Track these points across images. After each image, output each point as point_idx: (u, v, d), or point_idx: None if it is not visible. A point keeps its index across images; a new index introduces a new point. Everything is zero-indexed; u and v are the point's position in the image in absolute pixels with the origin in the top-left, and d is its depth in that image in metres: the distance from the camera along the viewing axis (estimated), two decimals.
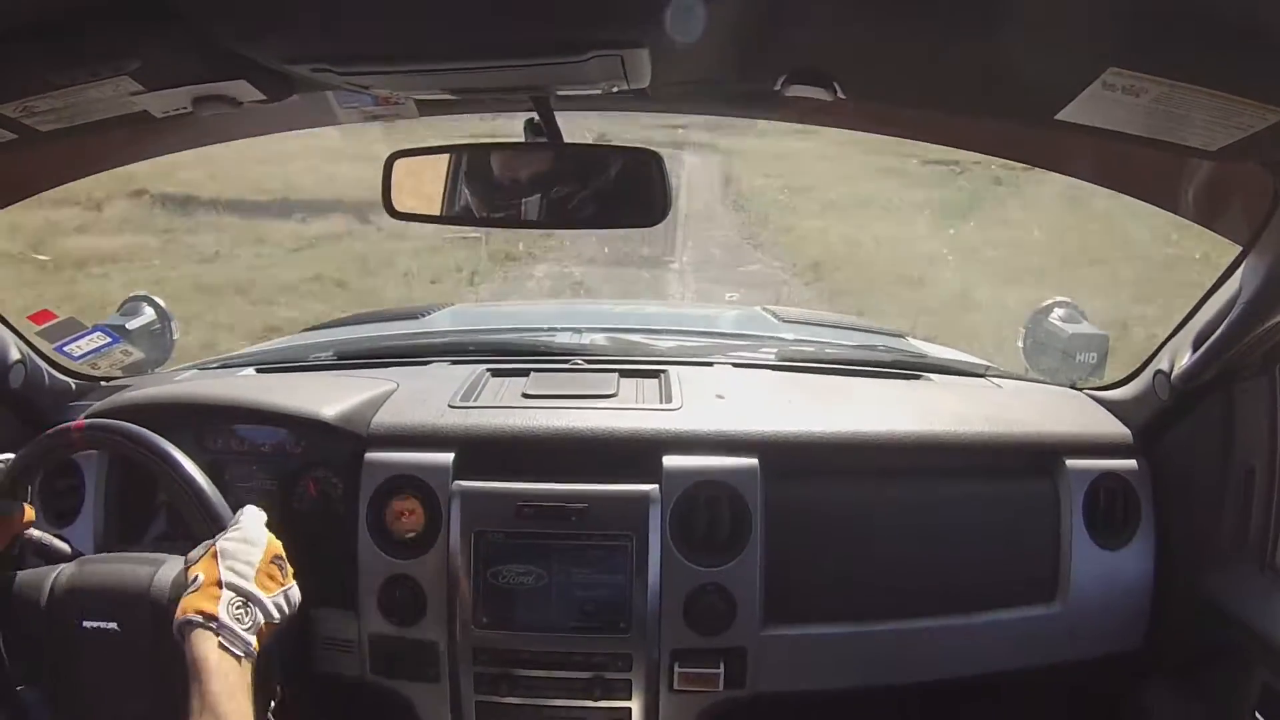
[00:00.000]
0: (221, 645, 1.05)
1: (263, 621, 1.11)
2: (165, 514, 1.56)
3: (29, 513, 1.28)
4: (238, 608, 1.09)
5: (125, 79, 1.01)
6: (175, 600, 1.11)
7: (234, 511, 1.24)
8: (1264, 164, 1.07)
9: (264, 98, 1.12)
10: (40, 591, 1.19)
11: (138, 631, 1.15)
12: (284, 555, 1.20)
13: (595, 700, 1.48)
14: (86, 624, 1.16)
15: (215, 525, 1.22)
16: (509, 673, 1.49)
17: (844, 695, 1.58)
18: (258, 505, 1.26)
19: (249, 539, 1.17)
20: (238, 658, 1.06)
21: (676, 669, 1.48)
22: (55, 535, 1.30)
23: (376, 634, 1.51)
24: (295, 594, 1.19)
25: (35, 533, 1.29)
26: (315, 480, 1.59)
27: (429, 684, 1.51)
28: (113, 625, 1.16)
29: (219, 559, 1.13)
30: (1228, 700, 1.45)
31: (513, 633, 1.48)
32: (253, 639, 1.09)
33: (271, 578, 1.16)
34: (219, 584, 1.10)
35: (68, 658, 1.18)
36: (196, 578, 1.11)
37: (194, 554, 1.16)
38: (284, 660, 1.29)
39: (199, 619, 1.06)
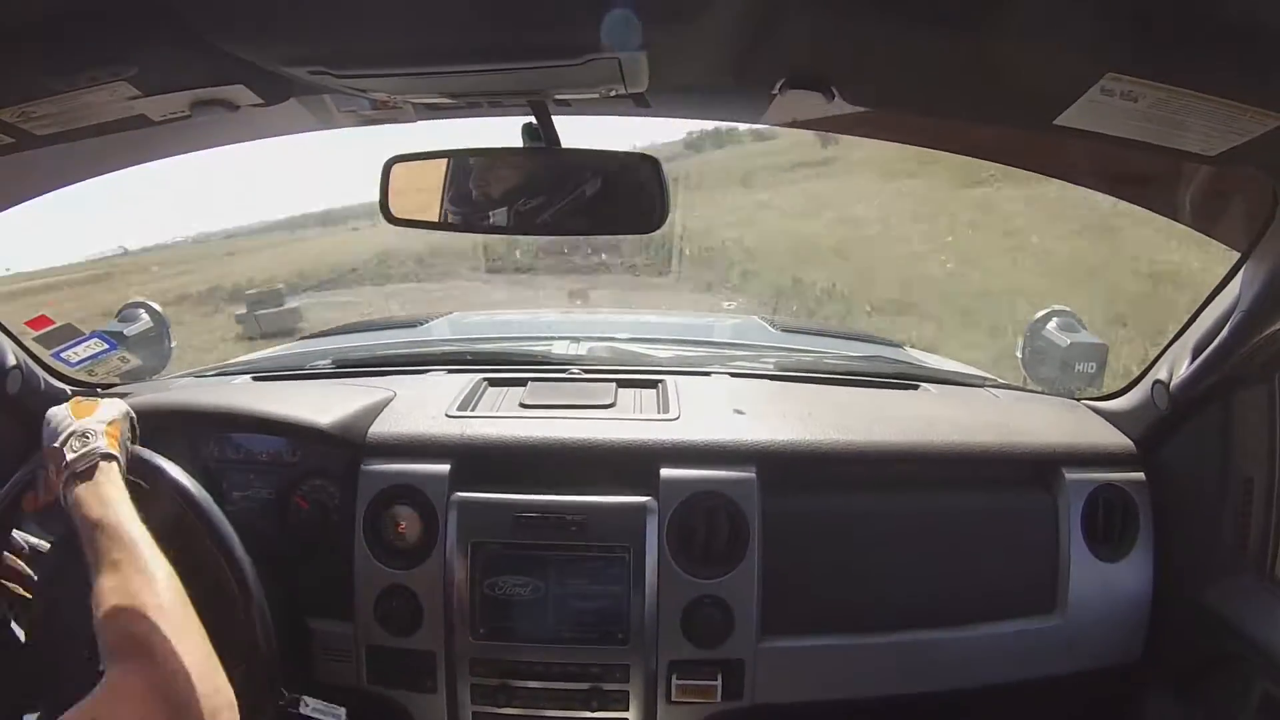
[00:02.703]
0: (77, 479, 1.14)
1: (100, 432, 1.21)
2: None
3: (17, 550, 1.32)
4: (78, 445, 1.18)
5: (123, 84, 1.01)
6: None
7: (232, 525, 1.26)
8: (1263, 170, 1.07)
9: (261, 101, 1.12)
10: None
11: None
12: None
13: (592, 711, 1.48)
14: None
15: (220, 546, 1.22)
16: (506, 684, 1.48)
17: (842, 707, 1.57)
18: (256, 516, 1.28)
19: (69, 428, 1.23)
20: (92, 468, 1.15)
21: (674, 680, 1.47)
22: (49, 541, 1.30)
23: (373, 644, 1.51)
24: (115, 405, 1.29)
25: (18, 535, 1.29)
26: (312, 489, 1.58)
27: (426, 694, 1.50)
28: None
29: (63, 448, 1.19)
30: (1228, 711, 1.44)
31: (510, 643, 1.48)
32: (94, 445, 1.18)
33: (80, 405, 1.27)
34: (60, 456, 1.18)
35: None
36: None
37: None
38: (283, 667, 1.30)
39: (63, 485, 1.15)
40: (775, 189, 13.23)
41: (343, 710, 1.37)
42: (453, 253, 10.35)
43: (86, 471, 1.14)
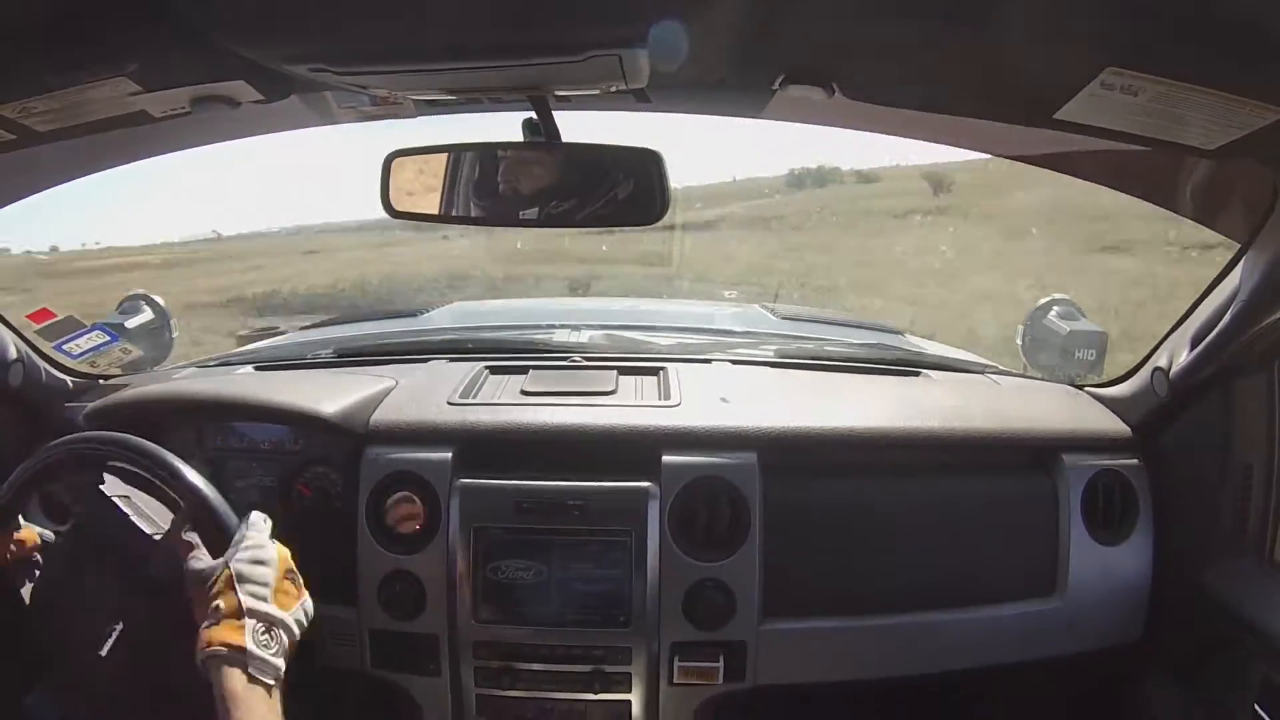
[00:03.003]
0: (251, 677, 1.04)
1: (287, 642, 1.10)
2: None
3: (28, 536, 1.28)
4: (263, 634, 1.07)
5: (124, 80, 1.01)
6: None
7: (238, 515, 1.24)
8: (1262, 162, 1.07)
9: (262, 98, 1.12)
10: None
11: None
12: (294, 566, 1.19)
13: (595, 693, 1.50)
14: None
15: (222, 534, 1.21)
16: (509, 666, 1.50)
17: (843, 688, 1.59)
18: (258, 504, 1.26)
19: (261, 558, 1.15)
20: (268, 686, 1.05)
21: (676, 662, 1.49)
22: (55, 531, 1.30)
23: (376, 628, 1.52)
24: (310, 603, 1.18)
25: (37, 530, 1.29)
26: (314, 477, 1.60)
27: (430, 677, 1.52)
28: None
29: (236, 586, 1.10)
30: (1228, 693, 1.45)
31: (513, 626, 1.49)
32: (280, 662, 1.07)
33: (287, 594, 1.15)
34: (240, 612, 1.08)
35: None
36: (216, 607, 1.08)
37: (201, 566, 1.15)
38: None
39: (225, 652, 1.04)
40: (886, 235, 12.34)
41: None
42: (533, 277, 9.88)
43: (259, 674, 1.05)
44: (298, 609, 1.14)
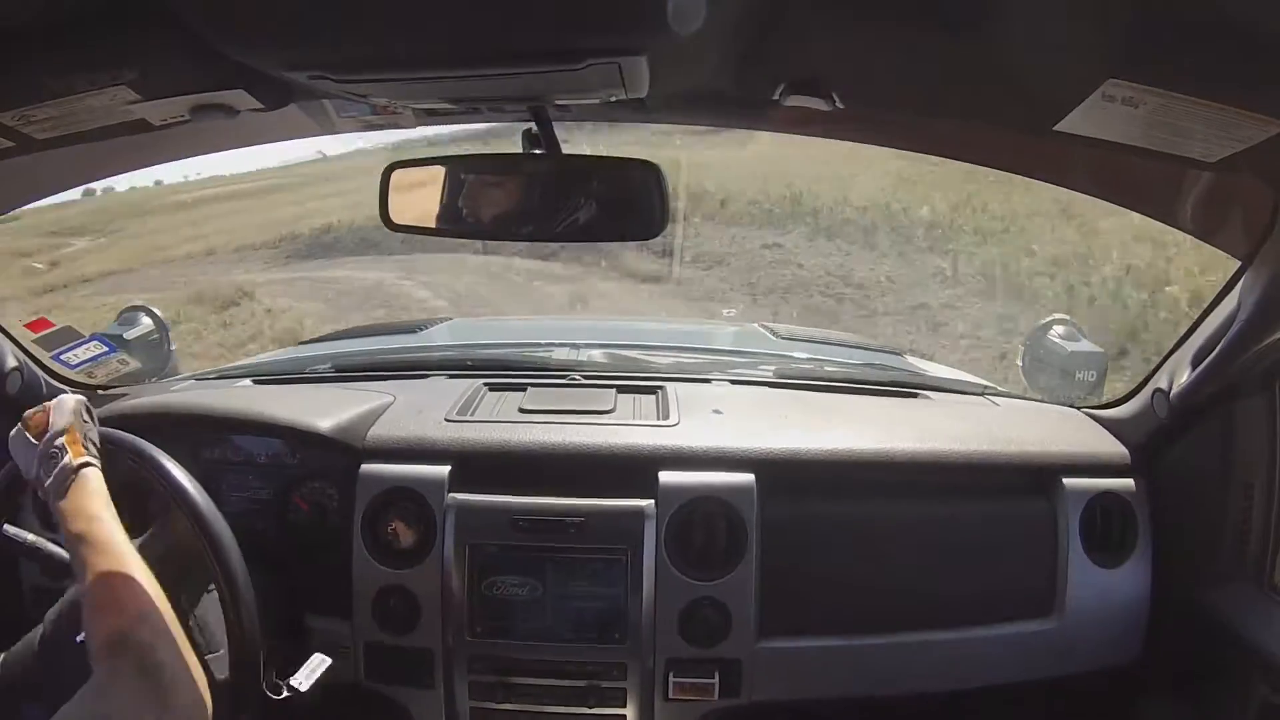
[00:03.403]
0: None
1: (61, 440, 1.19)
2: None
3: None
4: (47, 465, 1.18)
5: (123, 88, 1.01)
6: None
7: (230, 526, 1.26)
8: (1262, 176, 1.07)
9: (262, 106, 1.12)
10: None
11: None
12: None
13: (590, 708, 1.49)
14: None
15: (212, 545, 1.22)
16: (504, 680, 1.49)
17: (839, 706, 1.58)
18: (254, 515, 1.26)
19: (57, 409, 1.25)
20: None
21: (671, 678, 1.48)
22: (52, 540, 1.29)
23: (371, 641, 1.52)
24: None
25: (30, 537, 1.28)
26: (311, 491, 1.59)
27: (424, 690, 1.51)
28: None
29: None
30: (1226, 716, 1.44)
31: (508, 641, 1.49)
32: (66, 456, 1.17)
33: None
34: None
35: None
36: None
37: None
38: (282, 664, 1.31)
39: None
40: None
41: (328, 660, 1.37)
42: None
43: (62, 490, 1.15)
44: (49, 428, 1.22)
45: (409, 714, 1.55)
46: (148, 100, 1.06)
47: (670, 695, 1.48)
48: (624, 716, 1.50)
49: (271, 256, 11.56)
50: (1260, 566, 1.45)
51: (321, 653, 1.47)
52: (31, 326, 1.81)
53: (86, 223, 13.32)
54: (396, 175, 1.24)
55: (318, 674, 1.35)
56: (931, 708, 1.65)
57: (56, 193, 1.49)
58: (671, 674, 1.48)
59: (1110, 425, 1.70)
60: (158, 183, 15.14)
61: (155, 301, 2.29)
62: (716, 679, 1.48)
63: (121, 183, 13.22)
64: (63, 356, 1.80)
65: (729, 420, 1.65)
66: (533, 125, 1.14)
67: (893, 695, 1.57)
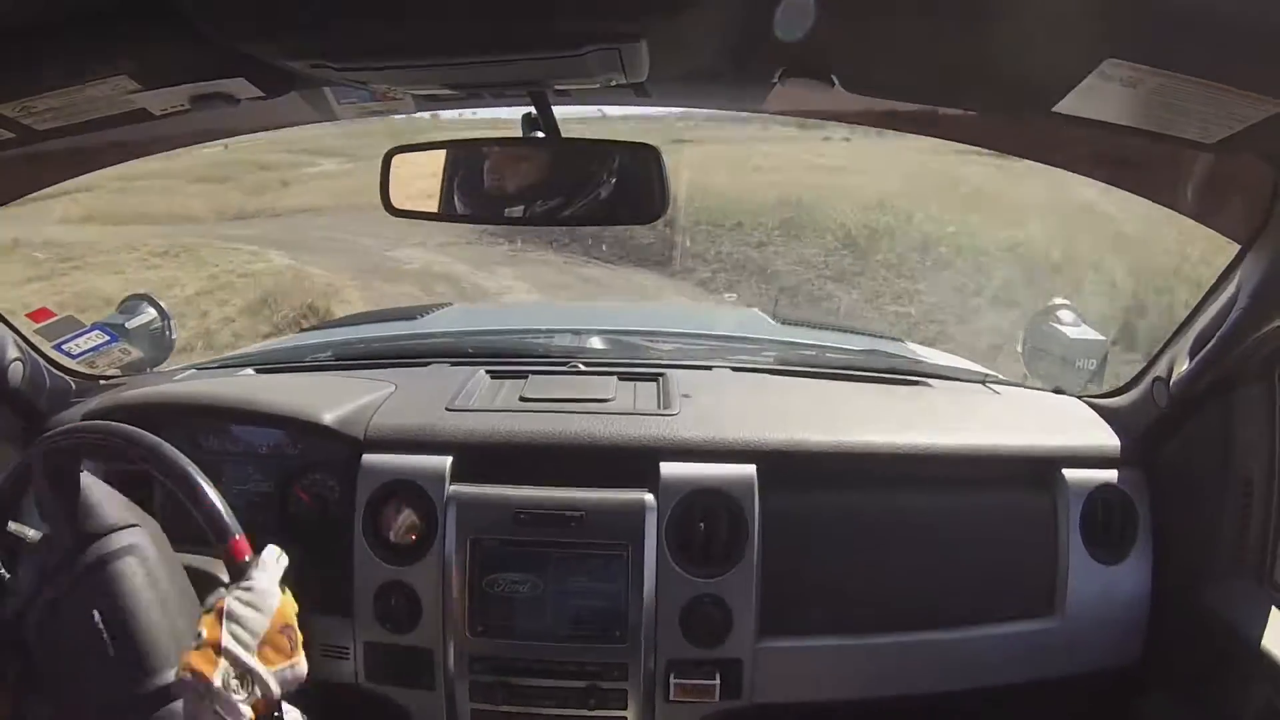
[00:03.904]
0: (216, 712, 1.00)
1: (260, 695, 1.04)
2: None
3: None
4: (234, 678, 1.02)
5: (123, 78, 1.01)
6: None
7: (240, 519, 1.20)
8: (1262, 156, 1.07)
9: (262, 94, 1.12)
10: None
11: None
12: (295, 624, 1.12)
13: (591, 709, 1.48)
14: None
15: (220, 538, 1.17)
16: (504, 681, 1.48)
17: (841, 707, 1.57)
18: (255, 507, 1.23)
19: (259, 604, 1.09)
20: None
21: (672, 679, 1.47)
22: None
23: (371, 640, 1.51)
24: (301, 669, 1.11)
25: (31, 533, 1.27)
26: (312, 483, 1.58)
27: (424, 691, 1.50)
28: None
29: (224, 620, 1.05)
30: (1228, 715, 1.43)
31: (508, 641, 1.48)
32: (248, 710, 1.02)
33: (278, 649, 1.08)
34: (218, 649, 1.03)
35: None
36: (200, 633, 1.05)
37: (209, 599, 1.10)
38: None
39: (190, 679, 1.01)
40: None
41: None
42: None
43: (222, 712, 1.01)
44: (284, 669, 1.08)
45: (409, 714, 1.54)
46: (148, 90, 1.06)
47: (671, 697, 1.48)
48: (625, 717, 1.49)
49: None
50: (1260, 563, 1.44)
51: (320, 654, 1.47)
52: (33, 316, 1.80)
53: (340, 145, 12.73)
54: (397, 160, 1.24)
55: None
56: (933, 710, 1.64)
57: (58, 183, 1.49)
58: (673, 675, 1.47)
59: (1110, 414, 1.69)
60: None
61: None
62: (717, 680, 1.48)
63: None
64: (64, 346, 1.79)
65: (730, 409, 1.64)
66: (532, 109, 1.14)
67: (893, 697, 1.57)
